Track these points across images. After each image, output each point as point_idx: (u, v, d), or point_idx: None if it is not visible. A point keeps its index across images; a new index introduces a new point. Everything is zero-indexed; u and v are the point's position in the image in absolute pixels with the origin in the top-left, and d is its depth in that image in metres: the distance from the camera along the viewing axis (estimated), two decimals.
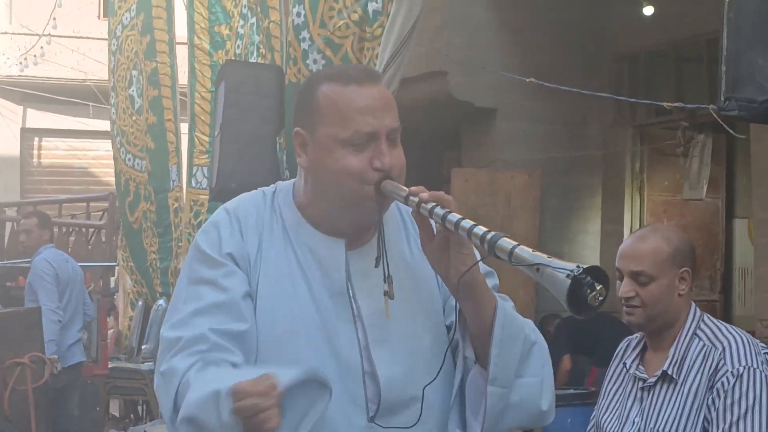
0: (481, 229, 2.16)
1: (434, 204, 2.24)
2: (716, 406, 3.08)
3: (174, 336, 2.36)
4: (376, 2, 6.49)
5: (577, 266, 1.98)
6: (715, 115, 5.45)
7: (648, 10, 10.75)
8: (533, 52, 10.70)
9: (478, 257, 2.29)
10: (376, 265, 2.34)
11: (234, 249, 2.40)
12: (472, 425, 2.36)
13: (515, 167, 10.94)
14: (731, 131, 5.71)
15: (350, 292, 2.38)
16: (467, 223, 2.19)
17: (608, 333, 8.76)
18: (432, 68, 10.39)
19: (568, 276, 1.97)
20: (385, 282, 2.33)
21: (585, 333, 9.24)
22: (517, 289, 9.85)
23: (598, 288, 1.98)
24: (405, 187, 2.31)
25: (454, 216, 2.20)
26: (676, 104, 7.79)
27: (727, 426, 3.04)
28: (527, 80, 8.08)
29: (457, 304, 2.36)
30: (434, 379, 2.33)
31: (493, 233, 2.14)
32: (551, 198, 11.20)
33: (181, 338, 2.34)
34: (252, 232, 2.44)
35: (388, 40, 6.32)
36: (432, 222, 2.31)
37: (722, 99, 4.30)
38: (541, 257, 2.04)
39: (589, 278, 1.98)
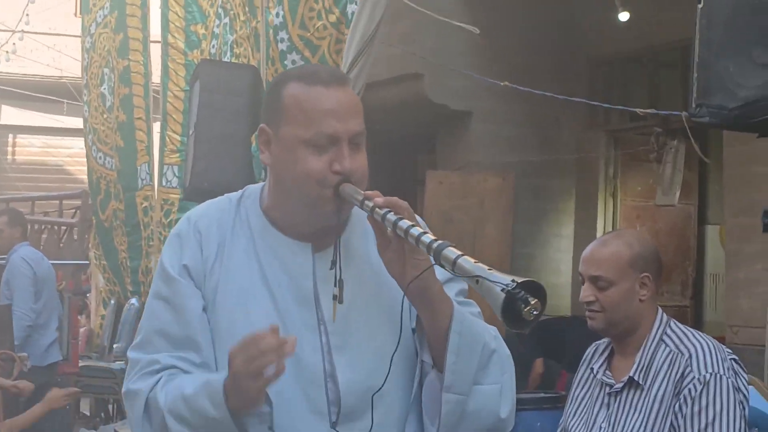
0: (428, 238, 2.15)
1: (387, 210, 2.23)
2: (683, 413, 3.08)
3: (135, 357, 2.41)
4: (355, 4, 6.49)
5: (512, 280, 1.97)
6: (685, 123, 5.46)
7: (623, 16, 10.76)
8: (508, 56, 10.72)
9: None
10: (331, 268, 2.33)
11: (190, 261, 2.41)
12: (429, 430, 2.35)
13: (489, 170, 10.95)
14: (693, 143, 5.72)
15: (316, 297, 2.38)
16: (416, 230, 2.18)
17: (578, 337, 8.77)
18: (407, 70, 10.39)
19: (502, 290, 1.96)
20: (335, 286, 2.32)
21: (555, 337, 9.25)
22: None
23: (532, 302, 1.97)
24: (361, 191, 2.30)
25: (405, 223, 2.19)
26: (648, 111, 7.83)
27: (699, 430, 3.04)
28: (502, 83, 8.09)
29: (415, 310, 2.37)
30: (381, 386, 2.31)
31: (439, 242, 2.13)
32: (524, 201, 11.22)
33: (140, 360, 2.38)
34: (212, 242, 2.43)
35: (352, 40, 6.32)
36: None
37: (693, 105, 4.31)
38: (481, 269, 2.03)
39: (522, 293, 1.97)
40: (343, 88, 2.38)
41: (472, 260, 2.07)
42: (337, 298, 2.32)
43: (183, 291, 2.39)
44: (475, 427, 2.37)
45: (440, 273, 2.31)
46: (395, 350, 2.33)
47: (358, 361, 2.36)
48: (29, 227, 12.02)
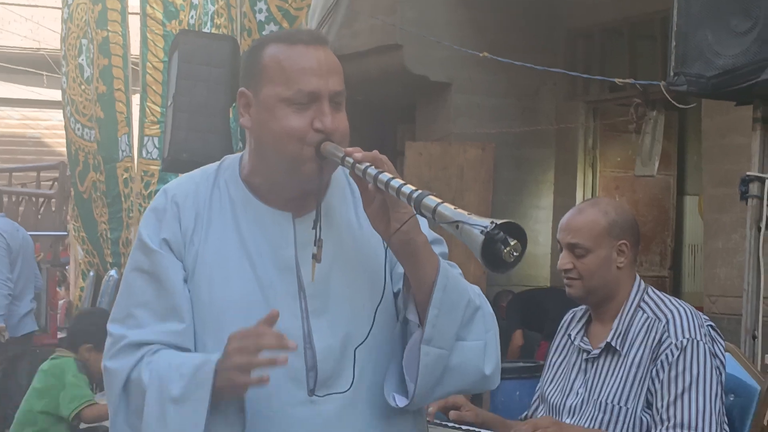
0: (408, 188, 2.17)
1: (368, 164, 2.24)
2: (660, 378, 3.10)
3: (116, 332, 2.39)
4: None
5: (491, 222, 1.98)
6: (663, 90, 5.46)
7: None
8: (487, 27, 10.71)
9: (423, 221, 2.30)
10: (313, 227, 2.33)
11: (170, 234, 2.40)
12: (410, 387, 2.35)
13: (468, 141, 10.94)
14: (676, 104, 5.72)
15: (297, 265, 2.38)
16: (396, 182, 2.19)
17: (557, 308, 8.81)
18: (386, 41, 10.36)
19: (481, 232, 1.97)
20: (315, 245, 2.32)
21: (535, 308, 9.30)
22: (469, 264, 9.87)
23: (512, 243, 1.98)
24: (342, 149, 2.30)
25: (386, 176, 2.21)
26: (627, 80, 7.85)
27: (672, 398, 3.06)
28: (481, 54, 8.10)
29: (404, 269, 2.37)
30: (365, 339, 2.32)
31: (419, 192, 2.15)
32: (504, 171, 11.22)
33: (121, 335, 2.37)
34: (189, 214, 2.43)
35: (315, 9, 6.34)
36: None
37: (672, 74, 4.33)
38: (461, 214, 2.05)
39: (502, 234, 1.98)
40: (323, 48, 2.38)
41: (452, 207, 2.09)
42: (316, 257, 2.32)
43: (164, 263, 2.38)
44: (459, 382, 2.39)
45: (425, 231, 2.33)
46: (379, 303, 2.34)
47: (337, 324, 2.37)
48: (7, 199, 11.99)
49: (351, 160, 2.26)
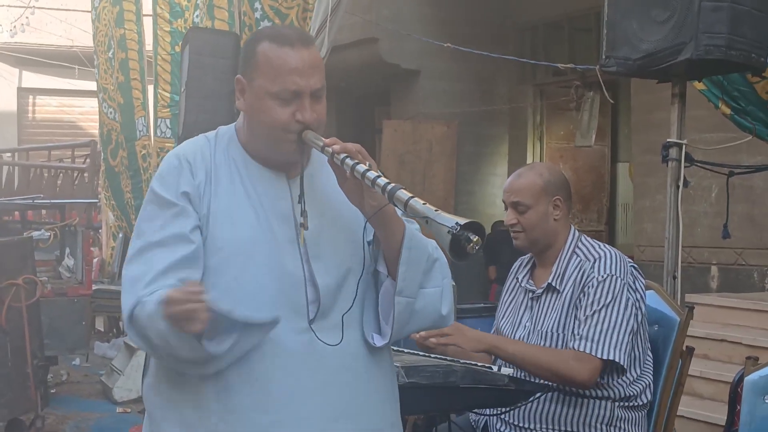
0: (383, 181, 2.18)
1: (345, 155, 2.25)
2: (581, 304, 3.11)
3: (129, 273, 2.34)
4: None
5: (456, 223, 2.02)
6: (598, 75, 5.46)
7: None
8: (451, 23, 10.71)
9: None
10: (299, 201, 2.34)
11: (189, 188, 2.37)
12: (384, 329, 2.39)
13: (436, 119, 10.97)
14: (605, 91, 5.73)
15: (294, 214, 2.38)
16: (372, 174, 2.21)
17: (506, 253, 8.87)
18: (365, 36, 10.35)
19: (448, 232, 2.02)
20: (301, 216, 2.33)
21: (498, 248, 9.33)
22: None
23: (474, 239, 2.03)
24: (322, 138, 2.32)
25: (361, 167, 2.22)
26: (568, 66, 7.85)
27: (583, 318, 3.08)
28: (445, 45, 8.08)
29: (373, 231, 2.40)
30: (350, 307, 2.37)
31: (392, 185, 2.16)
32: (466, 145, 11.25)
33: (133, 275, 2.32)
34: (200, 169, 2.40)
35: (318, 11, 6.33)
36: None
37: (604, 57, 4.32)
38: (429, 210, 2.08)
39: (465, 234, 2.03)
40: (307, 49, 2.36)
41: (422, 202, 2.11)
42: (304, 226, 2.33)
43: (180, 213, 2.35)
44: (421, 323, 2.44)
45: None
46: (360, 276, 2.38)
47: (331, 269, 2.38)
48: (47, 173, 11.91)
49: (330, 150, 2.27)
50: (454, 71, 11.03)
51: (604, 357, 3.03)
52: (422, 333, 3.00)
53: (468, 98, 11.25)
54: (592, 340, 3.04)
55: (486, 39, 10.62)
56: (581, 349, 3.04)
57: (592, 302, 3.09)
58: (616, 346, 3.05)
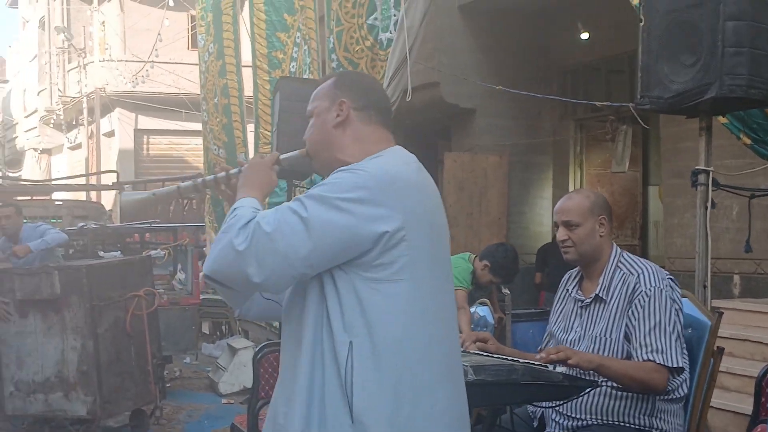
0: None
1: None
2: (636, 317, 3.08)
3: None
4: (390, 33, 6.51)
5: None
6: (633, 110, 5.43)
7: (584, 35, 10.72)
8: (501, 67, 10.69)
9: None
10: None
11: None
12: None
13: (489, 151, 10.94)
14: (642, 123, 5.68)
15: None
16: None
17: (553, 263, 8.82)
18: (428, 80, 10.37)
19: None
20: None
21: (547, 258, 9.29)
22: (492, 236, 9.87)
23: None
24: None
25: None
26: (605, 103, 7.78)
27: (646, 331, 3.03)
28: (497, 87, 8.06)
29: None
30: None
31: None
32: (516, 173, 11.21)
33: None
34: None
35: (391, 63, 6.38)
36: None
37: (639, 97, 4.29)
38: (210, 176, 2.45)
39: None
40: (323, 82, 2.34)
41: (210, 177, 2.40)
42: None
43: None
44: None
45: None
46: None
47: None
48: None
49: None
50: (505, 109, 11.00)
51: (674, 365, 3.00)
52: (546, 355, 2.87)
53: (517, 132, 11.21)
54: (662, 352, 3.00)
55: (532, 81, 10.59)
56: (658, 362, 2.99)
57: (649, 315, 3.05)
58: (681, 354, 3.03)
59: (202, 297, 10.33)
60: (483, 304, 5.65)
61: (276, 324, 8.09)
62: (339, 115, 2.23)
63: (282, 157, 2.34)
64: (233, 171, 2.35)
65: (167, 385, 7.90)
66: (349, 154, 2.19)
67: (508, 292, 5.68)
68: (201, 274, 11.23)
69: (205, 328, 11.99)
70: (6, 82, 40.64)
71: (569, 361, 2.84)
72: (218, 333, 11.72)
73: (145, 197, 2.46)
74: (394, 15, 6.42)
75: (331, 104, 2.25)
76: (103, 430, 6.45)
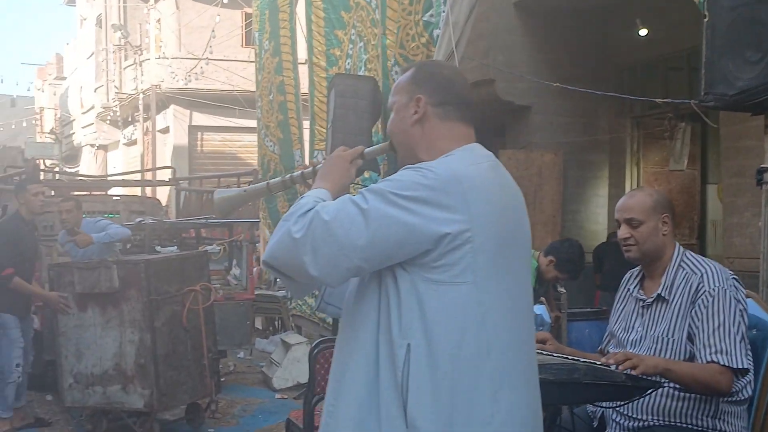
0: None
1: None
2: (699, 317, 3.03)
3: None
4: (440, 29, 6.52)
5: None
6: (695, 107, 5.34)
7: (642, 32, 10.58)
8: (557, 65, 10.60)
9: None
10: None
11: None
12: None
13: (545, 148, 10.85)
14: (707, 120, 5.59)
15: None
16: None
17: (609, 263, 8.73)
18: (483, 77, 10.33)
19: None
20: None
21: (604, 258, 9.23)
22: (546, 234, 9.79)
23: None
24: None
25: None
26: (665, 100, 7.67)
27: (710, 331, 2.98)
28: (554, 84, 8.01)
29: None
30: None
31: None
32: (571, 170, 11.11)
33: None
34: None
35: (438, 56, 6.39)
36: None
37: (703, 94, 4.23)
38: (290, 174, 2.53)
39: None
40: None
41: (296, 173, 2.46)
42: None
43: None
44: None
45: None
46: None
47: None
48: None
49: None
50: (561, 106, 10.91)
51: (739, 366, 2.95)
52: (614, 361, 2.82)
53: (573, 130, 11.11)
54: (727, 353, 2.95)
55: (588, 78, 10.48)
56: (722, 363, 2.94)
57: (712, 315, 3.00)
58: (746, 355, 2.98)
59: (256, 292, 10.41)
60: (539, 302, 5.62)
61: (330, 320, 8.12)
62: (416, 112, 2.22)
63: (366, 150, 2.34)
64: (319, 166, 2.36)
65: (222, 379, 7.99)
66: (425, 152, 2.18)
67: (564, 291, 5.64)
68: (255, 268, 11.35)
69: (258, 324, 12.10)
70: (64, 79, 41.42)
71: (635, 371, 2.79)
72: (271, 328, 11.82)
73: (237, 194, 2.51)
74: (443, 11, 6.42)
75: (409, 100, 2.23)
76: (159, 423, 6.54)
